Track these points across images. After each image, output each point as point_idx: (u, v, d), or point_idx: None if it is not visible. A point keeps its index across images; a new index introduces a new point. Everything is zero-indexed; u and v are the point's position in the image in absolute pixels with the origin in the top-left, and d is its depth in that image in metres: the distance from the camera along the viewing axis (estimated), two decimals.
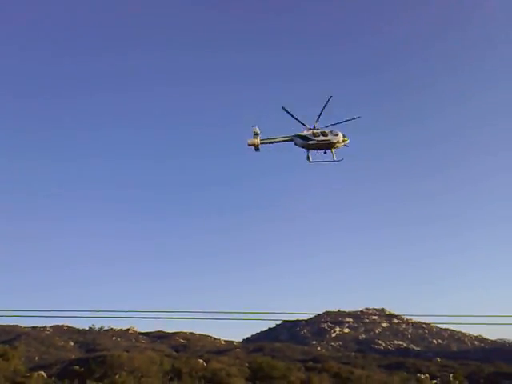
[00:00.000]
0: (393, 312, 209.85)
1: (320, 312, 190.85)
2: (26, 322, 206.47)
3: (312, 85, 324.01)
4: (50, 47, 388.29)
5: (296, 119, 36.25)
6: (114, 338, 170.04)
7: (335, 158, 36.75)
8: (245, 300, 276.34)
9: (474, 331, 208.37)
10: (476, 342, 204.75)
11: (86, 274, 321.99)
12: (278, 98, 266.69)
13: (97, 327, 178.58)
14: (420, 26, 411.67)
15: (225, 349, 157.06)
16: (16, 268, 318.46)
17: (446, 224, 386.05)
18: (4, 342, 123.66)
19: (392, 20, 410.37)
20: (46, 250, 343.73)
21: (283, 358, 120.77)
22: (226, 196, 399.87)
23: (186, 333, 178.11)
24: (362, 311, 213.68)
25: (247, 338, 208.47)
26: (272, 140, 36.75)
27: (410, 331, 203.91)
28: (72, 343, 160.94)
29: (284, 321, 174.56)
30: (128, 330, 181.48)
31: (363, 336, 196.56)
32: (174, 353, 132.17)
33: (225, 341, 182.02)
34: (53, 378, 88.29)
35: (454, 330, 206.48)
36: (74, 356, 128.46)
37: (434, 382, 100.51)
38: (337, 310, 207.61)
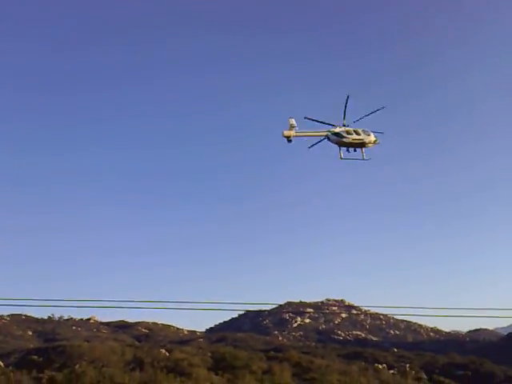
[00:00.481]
0: (352, 303, 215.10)
1: (282, 303, 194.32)
2: None
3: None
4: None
5: (323, 123, 36.06)
6: (74, 328, 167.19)
7: (365, 157, 36.80)
8: (208, 290, 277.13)
9: (429, 323, 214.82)
10: (431, 334, 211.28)
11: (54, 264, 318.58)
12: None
13: (56, 317, 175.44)
14: None
15: (188, 339, 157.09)
16: None
17: (403, 214, 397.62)
18: None
19: None
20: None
21: (245, 347, 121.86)
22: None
23: (148, 323, 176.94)
24: (322, 302, 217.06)
25: (210, 328, 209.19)
26: (306, 134, 36.60)
27: (368, 322, 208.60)
28: (30, 333, 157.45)
29: (247, 311, 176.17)
30: (89, 319, 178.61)
31: (323, 326, 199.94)
32: (137, 343, 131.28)
33: (188, 331, 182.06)
34: (10, 368, 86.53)
35: (410, 322, 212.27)
36: (32, 346, 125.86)
37: (392, 371, 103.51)
38: (298, 301, 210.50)
